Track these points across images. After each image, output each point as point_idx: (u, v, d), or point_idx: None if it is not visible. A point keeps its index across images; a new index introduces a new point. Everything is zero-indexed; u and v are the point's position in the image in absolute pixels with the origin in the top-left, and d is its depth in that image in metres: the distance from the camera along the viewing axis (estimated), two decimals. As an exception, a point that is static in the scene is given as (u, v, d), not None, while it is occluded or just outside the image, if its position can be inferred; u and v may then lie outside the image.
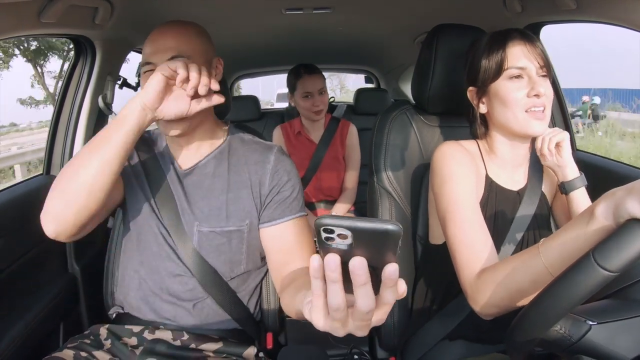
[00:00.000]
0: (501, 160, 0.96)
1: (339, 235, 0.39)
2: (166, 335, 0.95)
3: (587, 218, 0.60)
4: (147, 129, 0.88)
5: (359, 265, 0.39)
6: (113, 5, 1.14)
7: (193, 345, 0.95)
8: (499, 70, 0.87)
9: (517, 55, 0.86)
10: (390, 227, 0.38)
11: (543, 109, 0.85)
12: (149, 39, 0.92)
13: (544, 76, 0.87)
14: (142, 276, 0.97)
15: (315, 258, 0.41)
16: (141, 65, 0.93)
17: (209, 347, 0.95)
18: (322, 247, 0.41)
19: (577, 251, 0.60)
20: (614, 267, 0.52)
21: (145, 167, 0.99)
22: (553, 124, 1.46)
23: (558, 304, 0.57)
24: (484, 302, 0.75)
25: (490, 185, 0.94)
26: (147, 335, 0.95)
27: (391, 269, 0.40)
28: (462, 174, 0.89)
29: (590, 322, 0.59)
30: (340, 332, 0.45)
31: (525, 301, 0.71)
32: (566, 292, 0.56)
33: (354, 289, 0.41)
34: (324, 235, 0.40)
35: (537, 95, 0.84)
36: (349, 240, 0.39)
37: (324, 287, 0.42)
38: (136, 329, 0.96)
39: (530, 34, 0.89)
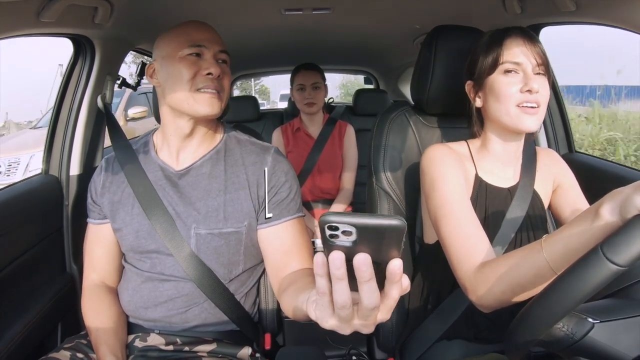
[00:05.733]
0: (493, 156, 0.96)
1: (343, 232, 0.39)
2: (159, 341, 0.94)
3: (592, 216, 0.60)
4: (135, 136, 0.88)
5: (363, 261, 0.39)
6: (113, 5, 1.14)
7: (187, 349, 0.94)
8: (494, 64, 0.88)
9: (514, 50, 0.86)
10: (394, 222, 0.38)
11: (537, 106, 0.85)
12: (192, 27, 0.94)
13: (541, 75, 0.86)
14: (134, 287, 0.97)
15: (320, 256, 0.41)
16: (185, 47, 0.90)
17: (203, 348, 0.95)
18: (326, 244, 0.40)
19: (581, 248, 0.61)
20: (623, 260, 0.52)
21: (131, 182, 0.97)
22: (552, 125, 1.46)
23: (565, 298, 0.56)
24: (484, 295, 0.75)
25: (480, 185, 0.94)
26: (139, 343, 0.94)
27: (396, 264, 0.40)
28: (451, 174, 0.89)
29: (593, 321, 0.59)
30: (346, 331, 0.46)
31: (525, 296, 0.71)
32: (574, 286, 0.55)
33: (359, 285, 0.41)
34: (328, 232, 0.39)
35: (529, 91, 0.84)
36: (353, 237, 0.39)
37: (328, 285, 0.42)
38: (128, 338, 0.96)
39: (530, 32, 0.89)
